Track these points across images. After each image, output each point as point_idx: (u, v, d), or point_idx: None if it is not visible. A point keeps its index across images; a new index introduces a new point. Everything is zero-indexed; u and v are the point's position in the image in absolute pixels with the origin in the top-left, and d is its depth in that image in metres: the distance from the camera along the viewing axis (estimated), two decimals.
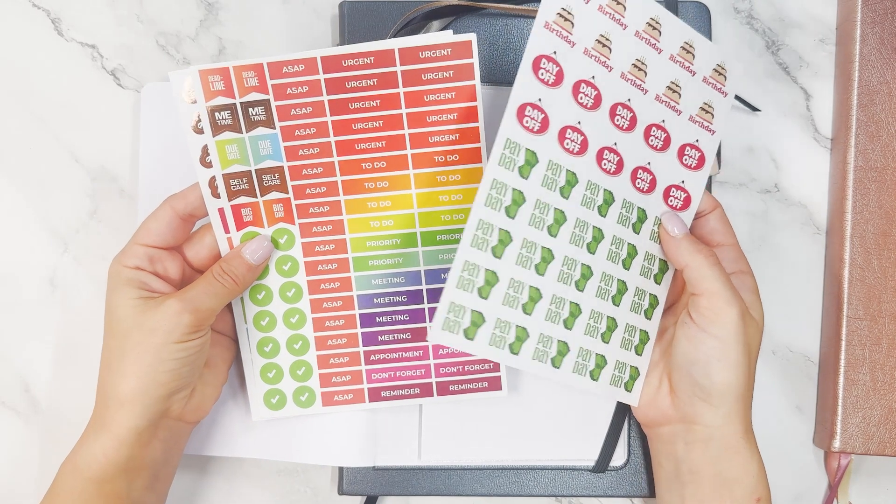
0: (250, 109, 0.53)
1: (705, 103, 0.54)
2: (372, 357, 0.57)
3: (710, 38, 0.59)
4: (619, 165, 0.52)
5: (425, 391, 0.57)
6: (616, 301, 0.53)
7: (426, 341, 0.56)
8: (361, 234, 0.55)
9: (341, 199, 0.55)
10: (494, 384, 0.57)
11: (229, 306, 0.56)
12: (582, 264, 0.52)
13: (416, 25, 0.58)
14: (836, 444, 0.57)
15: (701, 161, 0.54)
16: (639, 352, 0.54)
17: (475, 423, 0.58)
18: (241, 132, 0.53)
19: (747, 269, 0.54)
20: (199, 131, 0.53)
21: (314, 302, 0.56)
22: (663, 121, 0.53)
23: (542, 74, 0.50)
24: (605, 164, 0.52)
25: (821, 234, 0.61)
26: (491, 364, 0.57)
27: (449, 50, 0.52)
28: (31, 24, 0.62)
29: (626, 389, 0.54)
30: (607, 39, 0.51)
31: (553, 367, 0.52)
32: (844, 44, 0.60)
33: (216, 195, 0.54)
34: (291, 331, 0.56)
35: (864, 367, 0.57)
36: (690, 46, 0.53)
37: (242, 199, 0.54)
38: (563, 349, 0.52)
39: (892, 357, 0.57)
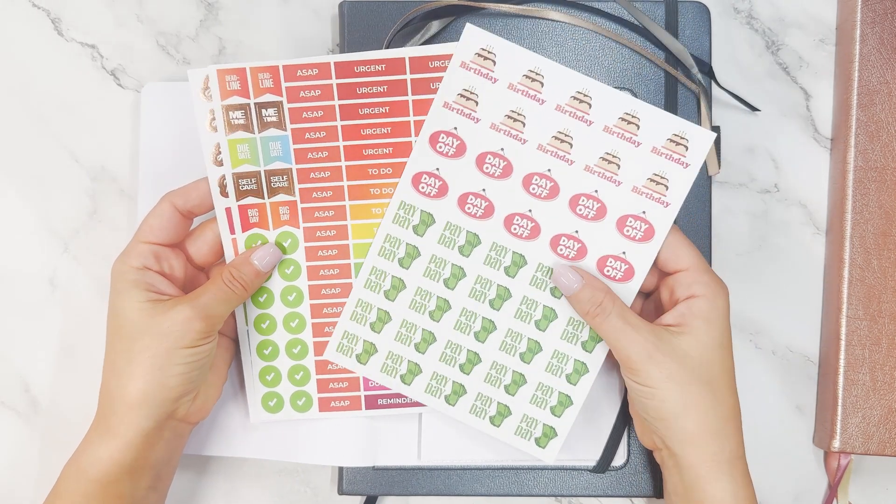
0: (263, 110, 0.53)
1: (655, 174, 0.52)
2: None
3: (710, 39, 0.59)
4: (534, 231, 0.53)
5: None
6: (525, 358, 0.55)
7: None
8: (365, 240, 0.55)
9: (346, 203, 0.55)
10: None
11: None
12: (483, 318, 0.54)
13: (416, 25, 0.58)
14: (836, 444, 0.57)
15: (648, 233, 0.52)
16: (556, 413, 0.55)
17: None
18: (253, 132, 0.54)
19: (701, 291, 0.51)
20: (214, 129, 0.54)
21: (314, 307, 0.56)
22: (596, 191, 0.53)
23: (440, 147, 0.53)
24: (515, 229, 0.54)
25: (821, 234, 0.61)
26: None
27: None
28: (31, 24, 0.62)
29: (539, 445, 0.55)
30: (519, 114, 0.52)
31: (447, 403, 0.55)
32: (844, 44, 0.60)
33: (225, 194, 0.54)
34: (291, 335, 0.56)
35: (864, 367, 0.57)
36: (632, 117, 0.52)
37: (250, 200, 0.54)
38: (459, 390, 0.55)
39: (892, 357, 0.57)
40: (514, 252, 0.54)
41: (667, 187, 0.52)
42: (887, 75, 0.58)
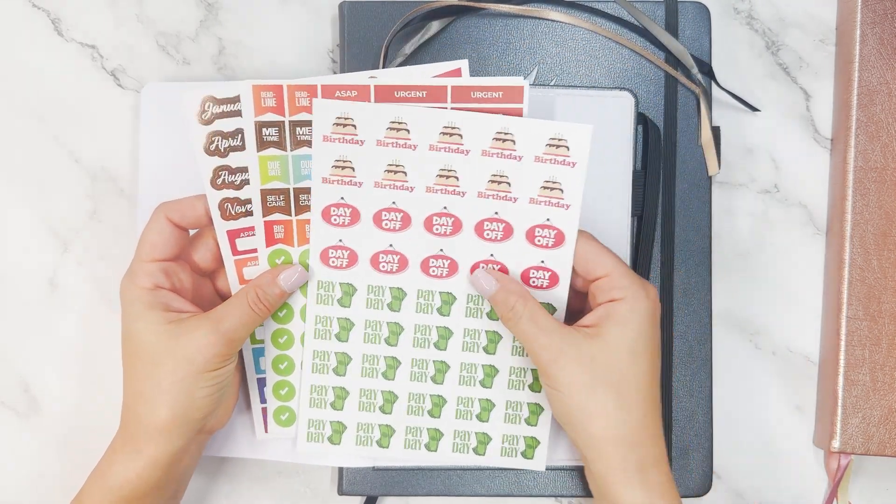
0: (298, 129, 0.53)
1: (546, 181, 0.52)
2: None
3: (710, 39, 0.59)
4: (452, 268, 0.54)
5: None
6: (486, 384, 0.55)
7: None
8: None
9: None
10: None
11: None
12: (434, 361, 0.55)
13: (416, 26, 0.58)
14: (836, 444, 0.57)
15: (559, 238, 0.52)
16: (531, 423, 0.56)
17: None
18: (285, 150, 0.53)
19: (620, 294, 0.50)
20: (211, 153, 0.53)
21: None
22: (496, 213, 0.53)
23: (335, 220, 0.54)
24: (433, 271, 0.54)
25: (821, 235, 0.61)
26: None
27: (501, 93, 0.52)
28: (31, 24, 0.62)
29: (526, 457, 0.56)
30: (398, 166, 0.52)
31: (429, 451, 0.56)
32: (844, 44, 0.60)
33: (226, 217, 0.53)
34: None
35: (864, 367, 0.57)
36: (505, 134, 0.51)
37: (277, 216, 0.54)
38: (436, 435, 0.56)
39: (892, 357, 0.57)
40: (440, 292, 0.54)
41: (562, 190, 0.52)
42: (887, 75, 0.58)
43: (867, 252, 0.58)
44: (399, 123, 0.52)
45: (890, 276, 0.58)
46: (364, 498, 0.59)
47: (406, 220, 0.53)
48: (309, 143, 0.53)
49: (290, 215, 0.54)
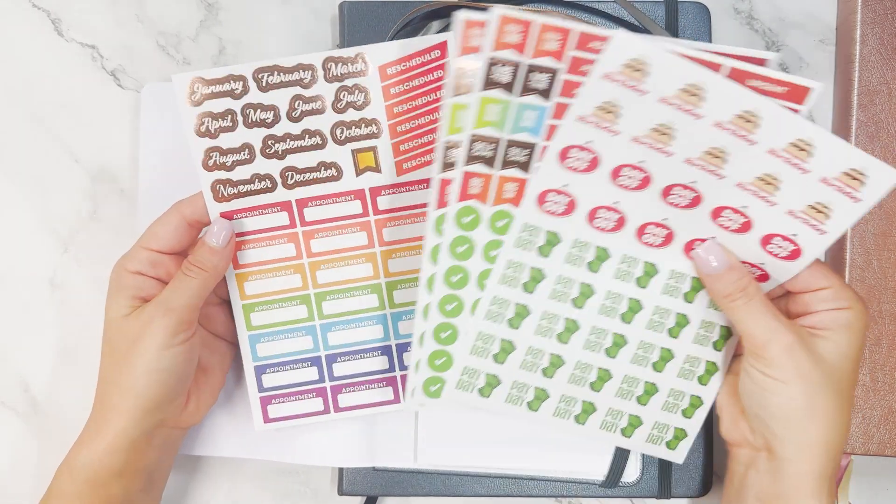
0: (532, 74, 0.47)
1: (818, 202, 0.47)
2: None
3: (711, 39, 0.59)
4: (668, 238, 0.51)
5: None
6: (658, 367, 0.53)
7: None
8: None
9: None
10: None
11: (229, 310, 0.56)
12: (614, 333, 0.52)
13: (416, 26, 0.58)
14: None
15: (794, 254, 0.49)
16: (687, 415, 0.54)
17: (474, 428, 0.58)
18: (511, 93, 0.48)
19: (847, 304, 0.49)
20: (203, 134, 0.53)
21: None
22: (745, 206, 0.48)
23: (570, 163, 0.49)
24: (647, 238, 0.51)
25: None
26: None
27: (786, 89, 0.46)
28: (31, 24, 0.62)
29: (669, 448, 0.55)
30: (668, 128, 0.47)
31: (577, 423, 0.54)
32: (844, 44, 0.60)
33: (218, 199, 0.54)
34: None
35: (864, 367, 0.57)
36: (807, 145, 0.46)
37: (478, 167, 0.49)
38: (589, 408, 0.54)
39: (892, 357, 0.57)
40: (645, 262, 0.51)
41: (828, 217, 0.47)
42: (887, 76, 0.58)
43: (867, 252, 0.58)
44: (695, 88, 0.45)
45: (890, 276, 0.58)
46: (364, 498, 0.59)
47: (645, 182, 0.49)
48: (539, 92, 0.47)
49: (493, 168, 0.50)
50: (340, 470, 0.58)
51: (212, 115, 0.53)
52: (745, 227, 0.49)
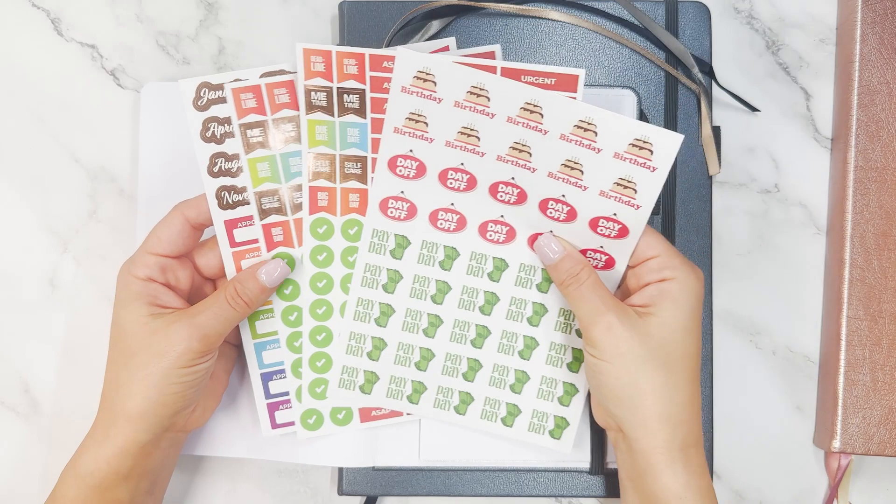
0: (345, 96, 0.53)
1: (622, 178, 0.51)
2: None
3: (711, 39, 0.59)
4: (510, 235, 0.54)
5: None
6: (524, 355, 0.55)
7: None
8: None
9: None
10: None
11: None
12: (476, 325, 0.55)
13: (415, 25, 0.58)
14: (837, 444, 0.57)
15: (623, 232, 0.52)
16: (564, 402, 0.56)
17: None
18: (333, 115, 0.54)
19: (672, 274, 0.50)
20: (209, 139, 0.53)
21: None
22: (563, 195, 0.52)
23: (400, 171, 0.53)
24: (491, 235, 0.54)
25: (821, 235, 0.61)
26: None
27: (554, 80, 0.52)
28: (30, 24, 0.62)
29: (553, 437, 0.56)
30: (472, 129, 0.51)
31: (457, 413, 0.56)
32: (845, 44, 0.60)
33: (223, 206, 0.53)
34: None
35: (865, 367, 0.57)
36: (588, 124, 0.50)
37: (321, 182, 0.54)
38: (467, 398, 0.56)
39: (893, 357, 0.57)
40: (493, 257, 0.54)
41: (635, 190, 0.51)
42: (888, 75, 0.58)
43: (868, 252, 0.58)
44: (480, 89, 0.51)
45: (890, 275, 0.58)
46: (364, 498, 0.59)
47: (472, 182, 0.53)
48: (356, 111, 0.53)
49: (335, 183, 0.54)
50: (340, 470, 0.58)
51: (218, 121, 0.53)
52: (571, 215, 0.52)
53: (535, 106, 0.51)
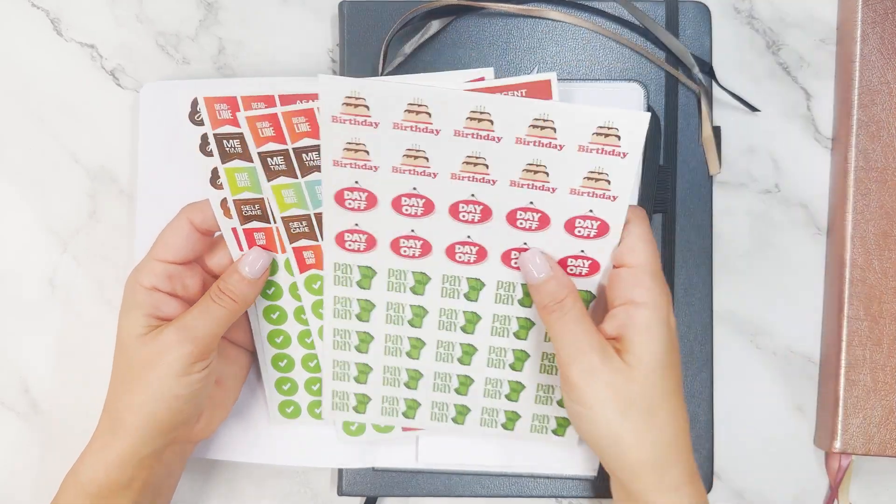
0: (304, 155, 0.50)
1: (592, 171, 0.47)
2: None
3: (711, 39, 0.59)
4: (481, 254, 0.51)
5: None
6: (516, 367, 0.53)
7: None
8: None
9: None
10: None
11: (246, 317, 0.55)
12: (461, 344, 0.53)
13: (415, 25, 0.58)
14: (837, 444, 0.57)
15: (603, 228, 0.49)
16: (563, 405, 0.54)
17: None
18: (296, 177, 0.51)
19: (642, 298, 0.47)
20: (207, 153, 0.51)
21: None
22: (531, 202, 0.49)
23: (350, 204, 0.50)
24: (460, 257, 0.51)
25: (821, 235, 0.61)
26: None
27: (525, 91, 0.48)
28: (30, 24, 0.62)
29: (557, 434, 0.55)
30: (418, 150, 0.48)
31: (455, 423, 0.55)
32: (845, 44, 0.60)
33: (229, 215, 0.52)
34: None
35: (865, 367, 0.57)
36: (544, 121, 0.46)
37: (304, 242, 0.53)
38: (464, 410, 0.55)
39: (893, 358, 0.57)
40: (468, 278, 0.51)
41: (608, 181, 0.47)
42: (888, 75, 0.58)
43: (868, 252, 0.58)
44: (418, 106, 0.46)
45: (891, 276, 0.58)
46: (364, 499, 0.59)
47: (429, 206, 0.49)
48: (319, 169, 0.50)
49: (318, 240, 0.52)
50: (340, 470, 0.58)
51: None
52: (544, 221, 0.49)
53: (482, 113, 0.47)
